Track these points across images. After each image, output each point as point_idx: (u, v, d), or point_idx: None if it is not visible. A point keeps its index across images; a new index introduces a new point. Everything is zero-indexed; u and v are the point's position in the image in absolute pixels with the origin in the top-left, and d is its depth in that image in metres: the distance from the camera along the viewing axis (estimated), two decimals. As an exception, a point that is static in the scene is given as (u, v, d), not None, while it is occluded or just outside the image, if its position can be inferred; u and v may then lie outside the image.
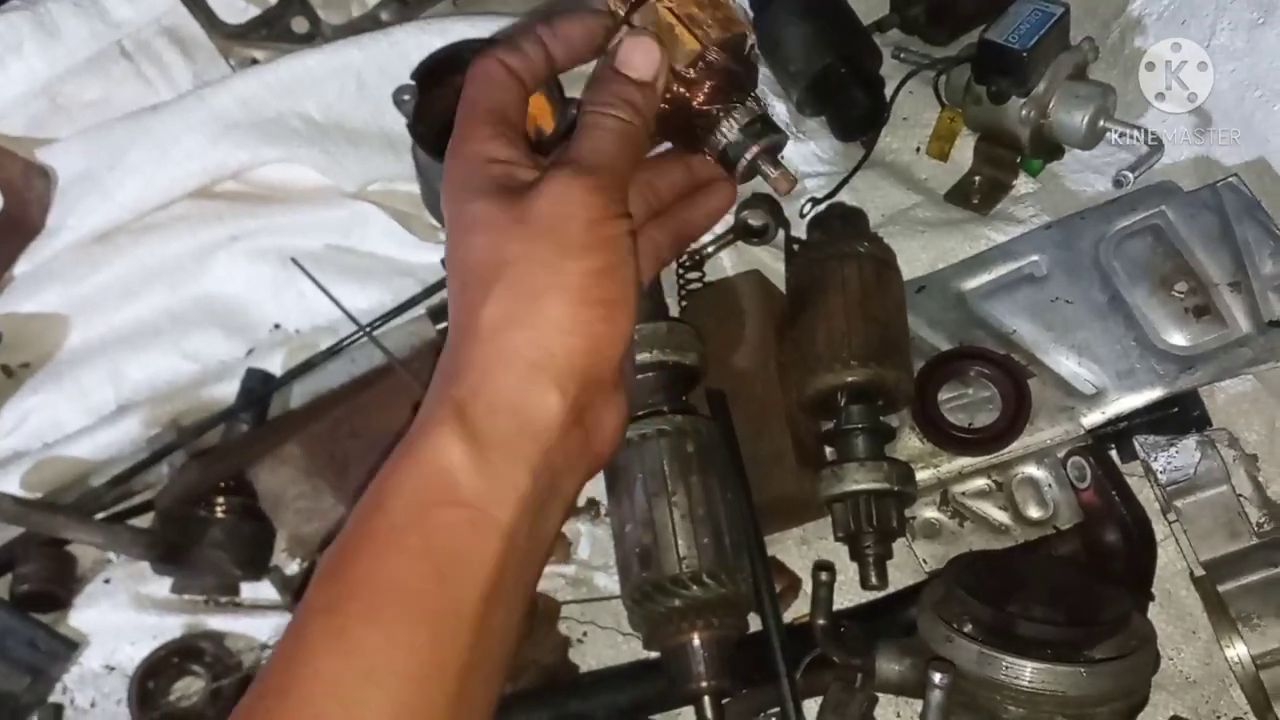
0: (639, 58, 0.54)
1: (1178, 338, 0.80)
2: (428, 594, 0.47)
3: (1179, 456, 0.77)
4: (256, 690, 0.48)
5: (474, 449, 0.49)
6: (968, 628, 0.66)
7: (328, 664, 0.47)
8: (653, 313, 0.78)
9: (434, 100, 0.88)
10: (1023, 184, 0.92)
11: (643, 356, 0.73)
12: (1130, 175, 0.85)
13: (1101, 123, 0.88)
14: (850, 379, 0.76)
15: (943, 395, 0.81)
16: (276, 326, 0.91)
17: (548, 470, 0.50)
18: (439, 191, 0.91)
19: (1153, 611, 0.76)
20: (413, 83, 0.86)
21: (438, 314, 0.88)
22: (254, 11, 0.99)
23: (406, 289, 0.89)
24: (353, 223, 0.93)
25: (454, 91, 0.90)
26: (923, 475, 0.80)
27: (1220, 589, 0.72)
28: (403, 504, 0.49)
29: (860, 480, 0.74)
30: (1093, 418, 0.79)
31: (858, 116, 0.94)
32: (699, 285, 0.86)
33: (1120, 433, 0.80)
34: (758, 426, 0.78)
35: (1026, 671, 0.62)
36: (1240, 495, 0.75)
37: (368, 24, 0.99)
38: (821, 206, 0.90)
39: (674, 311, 0.85)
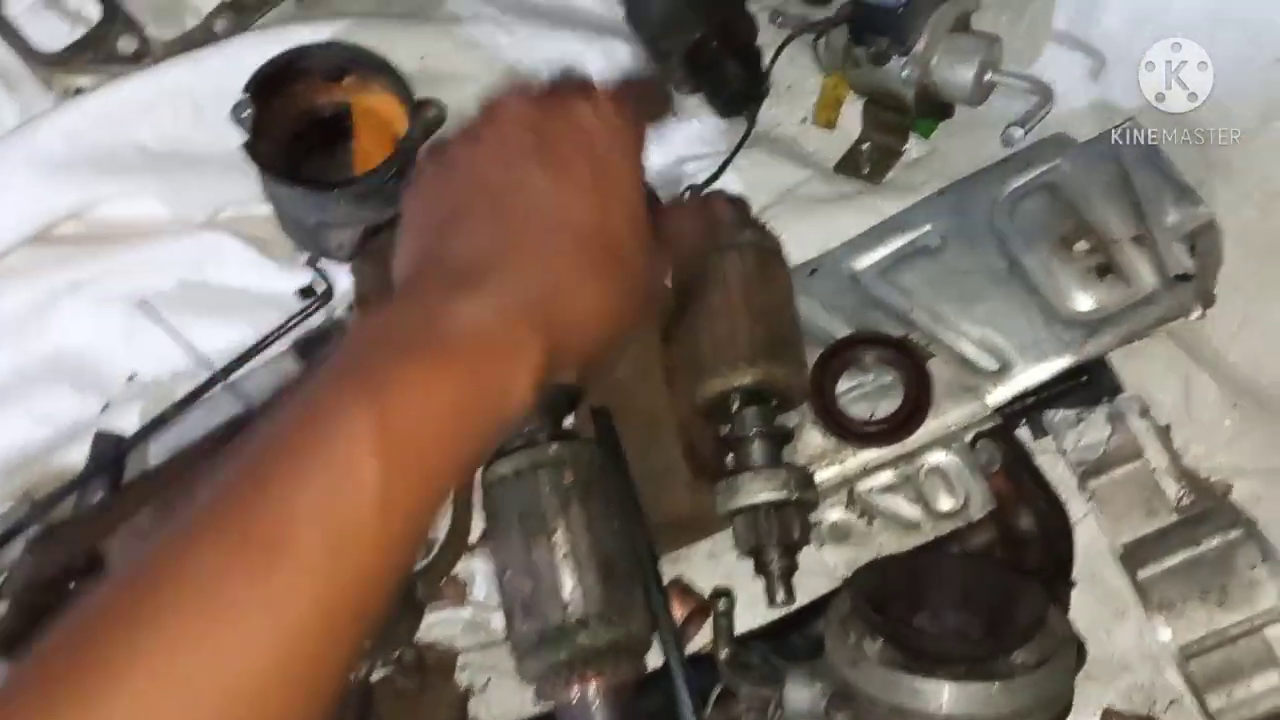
0: None
1: (1082, 301, 0.75)
2: None
3: (1089, 433, 0.72)
4: None
5: None
6: (878, 644, 0.62)
7: None
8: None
9: (274, 113, 0.82)
10: (914, 148, 0.87)
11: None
12: (1020, 130, 0.80)
13: (989, 75, 0.82)
14: (739, 382, 0.71)
15: (841, 386, 0.76)
16: (132, 377, 0.84)
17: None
18: (291, 214, 0.85)
19: (1078, 594, 0.71)
20: (247, 95, 0.79)
21: (304, 348, 0.82)
22: (79, 33, 0.91)
23: (271, 321, 0.83)
24: (205, 255, 0.87)
25: (294, 102, 0.85)
26: (828, 473, 0.75)
27: (1140, 576, 0.68)
28: None
29: (757, 491, 0.69)
30: (999, 395, 0.74)
31: (735, 91, 0.88)
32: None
33: (1029, 408, 0.75)
34: (646, 441, 0.73)
35: (939, 693, 0.57)
36: (1155, 469, 0.71)
37: (201, 36, 0.91)
38: (703, 193, 0.84)
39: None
